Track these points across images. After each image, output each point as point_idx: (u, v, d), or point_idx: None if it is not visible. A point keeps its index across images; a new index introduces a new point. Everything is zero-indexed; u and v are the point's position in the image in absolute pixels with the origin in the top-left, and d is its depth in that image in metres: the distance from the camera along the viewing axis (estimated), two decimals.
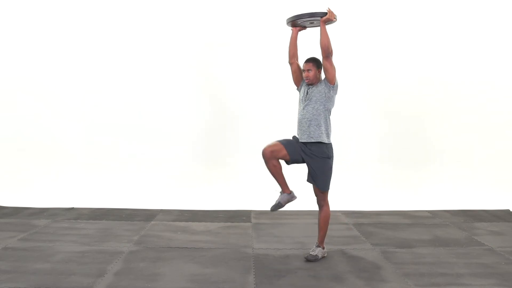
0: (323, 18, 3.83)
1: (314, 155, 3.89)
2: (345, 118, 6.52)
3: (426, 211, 5.93)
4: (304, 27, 4.09)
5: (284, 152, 3.89)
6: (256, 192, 5.97)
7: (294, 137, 4.05)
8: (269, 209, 4.05)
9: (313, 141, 3.87)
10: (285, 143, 3.93)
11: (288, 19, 4.01)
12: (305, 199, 6.02)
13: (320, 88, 3.88)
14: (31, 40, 6.39)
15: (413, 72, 6.49)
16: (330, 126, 3.94)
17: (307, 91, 3.94)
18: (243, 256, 4.10)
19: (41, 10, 6.38)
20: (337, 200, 6.04)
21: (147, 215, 5.60)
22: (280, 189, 4.03)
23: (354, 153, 6.53)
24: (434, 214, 5.80)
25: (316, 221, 5.39)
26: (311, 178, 3.98)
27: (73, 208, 5.95)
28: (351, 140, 6.54)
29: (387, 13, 6.46)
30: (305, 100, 3.92)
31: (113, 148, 6.47)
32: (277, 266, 3.83)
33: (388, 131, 6.55)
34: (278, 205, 3.97)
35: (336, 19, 3.90)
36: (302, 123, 3.92)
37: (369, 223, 5.34)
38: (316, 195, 4.04)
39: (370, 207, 6.01)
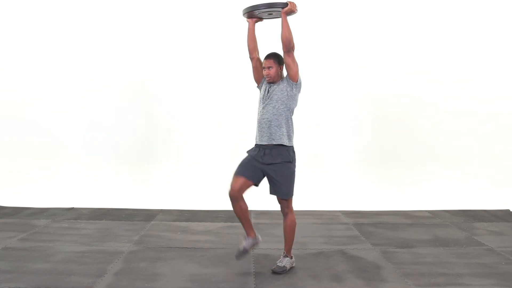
0: (285, 9, 3.54)
1: (274, 162, 3.59)
2: (343, 119, 6.54)
3: (426, 211, 5.93)
4: (261, 19, 3.80)
5: (248, 182, 3.61)
6: (256, 192, 5.95)
7: (248, 151, 3.77)
8: (250, 242, 3.73)
9: (274, 143, 3.58)
10: (243, 170, 3.62)
11: (244, 9, 3.73)
12: (305, 199, 6.06)
13: (282, 86, 3.62)
14: (31, 41, 6.40)
15: (413, 71, 6.50)
16: (292, 128, 3.67)
17: (268, 90, 3.66)
18: None
19: (41, 10, 6.38)
20: (337, 200, 6.10)
21: (147, 215, 5.60)
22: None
23: (354, 153, 6.53)
24: (434, 214, 5.80)
25: (316, 221, 5.44)
26: (272, 188, 3.67)
27: (73, 208, 5.95)
28: (351, 140, 6.54)
29: (375, 11, 6.46)
30: (266, 99, 3.64)
31: (113, 148, 6.48)
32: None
33: (388, 131, 6.55)
34: (244, 252, 3.68)
35: (297, 10, 3.61)
36: (261, 123, 3.63)
37: (369, 223, 5.34)
38: (279, 202, 3.72)
39: (370, 207, 6.00)
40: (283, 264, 3.71)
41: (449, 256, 4.17)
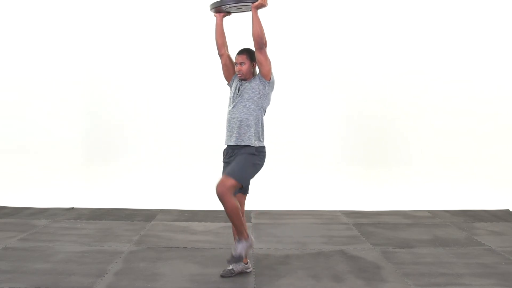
0: (255, 4, 3.35)
1: (238, 154, 3.46)
2: (345, 117, 6.54)
3: (426, 211, 5.93)
4: (229, 13, 3.64)
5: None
6: (256, 192, 5.95)
7: (224, 152, 3.66)
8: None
9: (243, 144, 3.45)
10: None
11: (211, 4, 3.57)
12: (305, 199, 6.07)
13: (254, 84, 3.46)
14: (32, 40, 6.40)
15: (412, 71, 6.50)
16: (262, 128, 3.53)
17: (238, 87, 3.51)
18: None
19: (41, 10, 6.38)
20: (337, 200, 6.10)
21: (147, 215, 5.60)
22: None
23: (354, 153, 6.53)
24: (434, 214, 5.80)
25: (316, 221, 5.44)
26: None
27: (73, 208, 5.95)
28: (351, 140, 6.54)
29: (358, 9, 6.43)
30: (236, 97, 3.49)
31: (113, 148, 6.48)
32: (277, 266, 3.82)
33: (388, 131, 6.55)
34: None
35: (268, 4, 3.43)
36: (231, 123, 3.49)
37: (369, 223, 5.34)
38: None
39: (370, 207, 6.00)
40: (237, 252, 3.39)
41: (449, 256, 4.17)
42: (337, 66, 6.49)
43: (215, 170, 6.39)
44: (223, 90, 6.37)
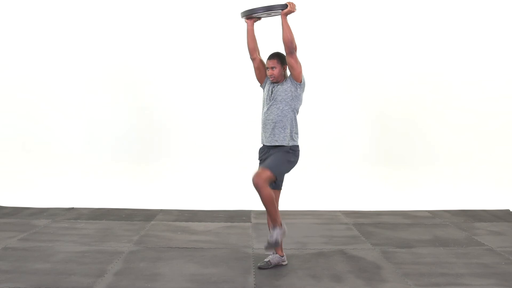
0: (284, 11, 3.50)
1: (274, 152, 3.64)
2: (343, 118, 6.54)
3: (426, 211, 5.93)
4: (259, 18, 3.77)
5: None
6: (256, 192, 5.96)
7: (260, 150, 3.81)
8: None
9: (277, 144, 3.63)
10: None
11: (242, 13, 3.72)
12: (305, 199, 6.07)
13: (286, 86, 3.61)
14: (32, 39, 6.40)
15: (412, 72, 6.50)
16: (296, 127, 3.70)
17: (271, 90, 3.66)
18: (243, 256, 4.09)
19: (41, 11, 6.38)
20: (337, 200, 6.10)
21: (147, 215, 5.60)
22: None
23: (354, 153, 6.53)
24: (434, 214, 5.80)
25: (317, 221, 5.44)
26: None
27: (73, 208, 5.95)
28: (351, 140, 6.54)
29: (378, 11, 6.45)
30: (270, 100, 3.64)
31: (113, 148, 6.47)
32: (277, 266, 3.82)
33: (388, 132, 6.55)
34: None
35: (296, 10, 3.58)
36: (266, 125, 3.66)
37: (369, 223, 5.34)
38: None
39: (370, 207, 6.00)
40: (273, 239, 3.55)
41: (449, 256, 4.17)
42: (338, 66, 6.49)
43: (215, 170, 6.44)
44: (224, 91, 6.43)
